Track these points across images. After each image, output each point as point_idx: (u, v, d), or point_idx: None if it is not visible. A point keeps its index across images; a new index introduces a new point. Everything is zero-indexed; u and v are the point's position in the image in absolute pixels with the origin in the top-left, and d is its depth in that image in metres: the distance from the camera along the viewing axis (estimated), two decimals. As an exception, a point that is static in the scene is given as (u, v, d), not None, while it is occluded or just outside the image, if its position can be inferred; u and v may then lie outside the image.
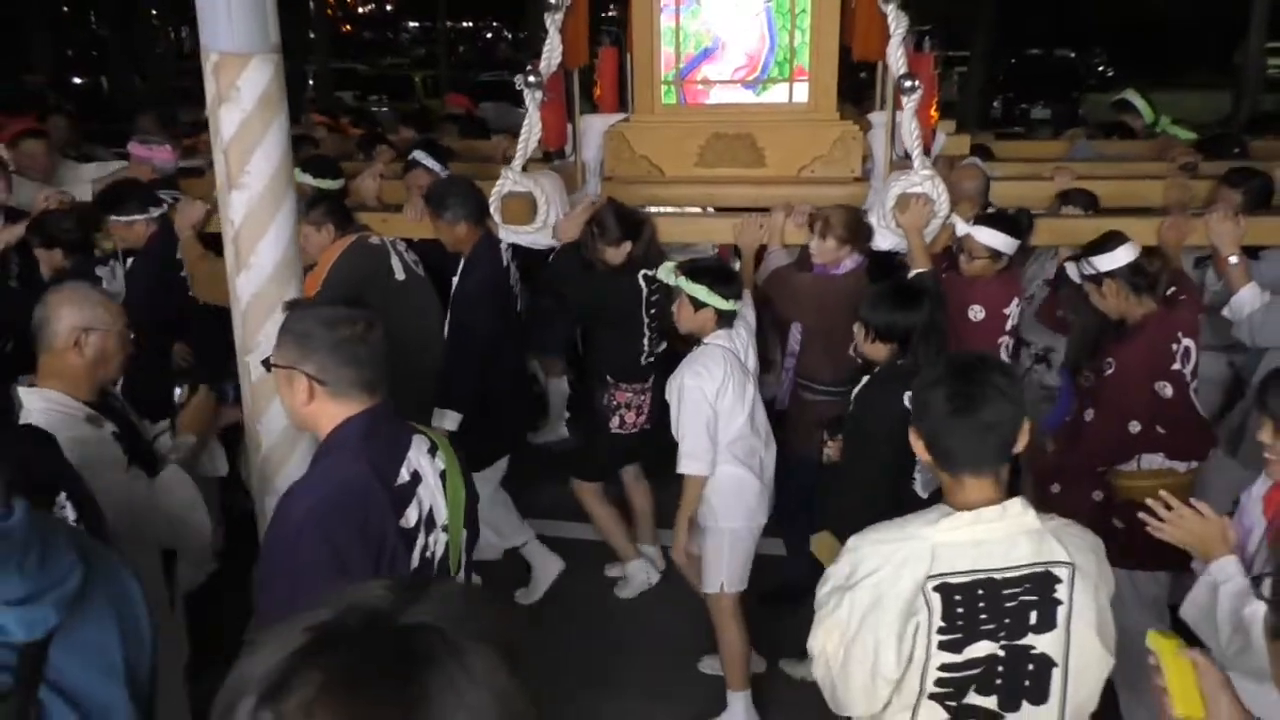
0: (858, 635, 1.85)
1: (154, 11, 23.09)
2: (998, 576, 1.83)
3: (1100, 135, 6.27)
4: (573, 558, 4.42)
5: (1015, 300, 3.67)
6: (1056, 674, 1.87)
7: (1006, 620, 1.84)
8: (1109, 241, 3.32)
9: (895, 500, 2.68)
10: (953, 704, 1.89)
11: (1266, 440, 2.28)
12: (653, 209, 4.25)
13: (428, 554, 2.01)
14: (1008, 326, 3.63)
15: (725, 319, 3.37)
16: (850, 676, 1.89)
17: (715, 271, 3.44)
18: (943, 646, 1.84)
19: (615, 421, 3.97)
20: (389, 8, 42.18)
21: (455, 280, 3.91)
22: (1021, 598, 1.84)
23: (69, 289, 2.62)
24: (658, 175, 4.43)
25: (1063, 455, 3.48)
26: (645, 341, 3.93)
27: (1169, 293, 3.36)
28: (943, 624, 1.83)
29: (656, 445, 3.82)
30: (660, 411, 3.71)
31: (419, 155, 4.77)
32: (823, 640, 1.93)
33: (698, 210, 4.68)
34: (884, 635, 1.83)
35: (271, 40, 2.42)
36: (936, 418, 1.87)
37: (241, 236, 2.48)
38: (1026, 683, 1.88)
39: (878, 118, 4.52)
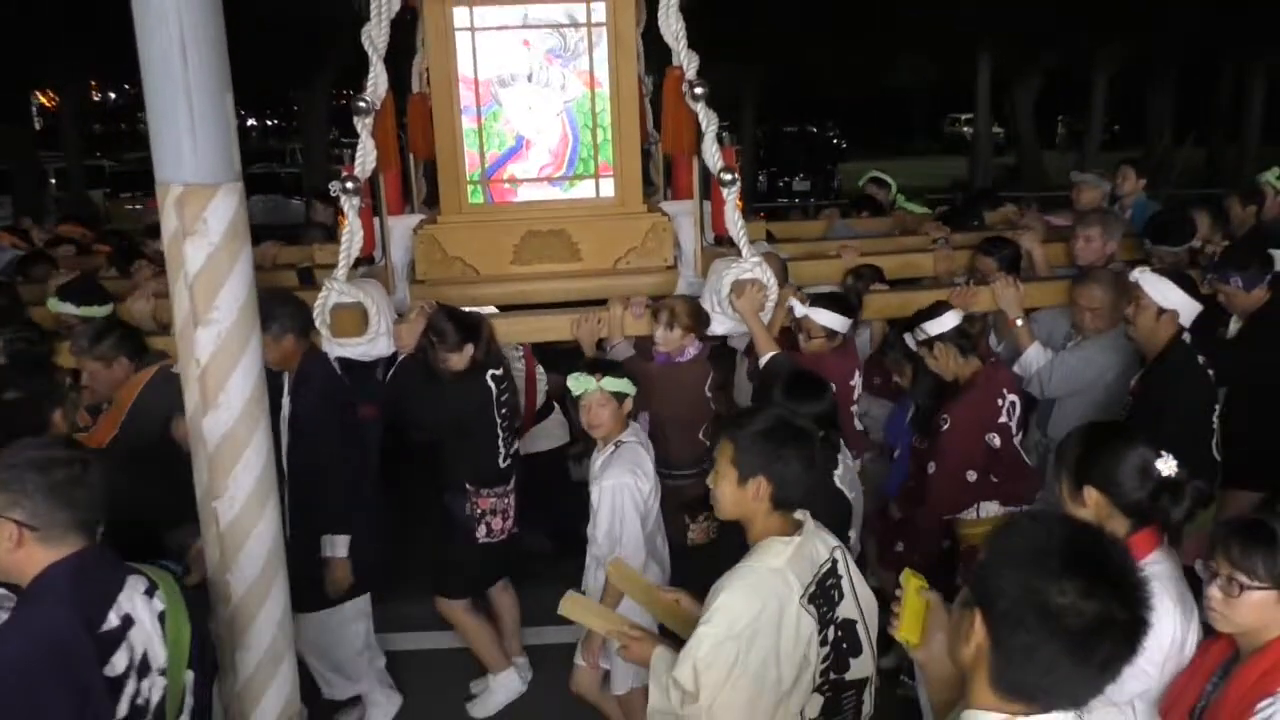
0: (758, 668, 2.15)
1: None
2: (820, 573, 2.30)
3: (852, 211, 6.92)
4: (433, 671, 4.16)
5: (856, 372, 3.94)
6: (859, 627, 2.37)
7: (830, 604, 2.30)
8: (936, 309, 3.66)
9: None
10: (827, 687, 2.31)
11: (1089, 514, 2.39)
12: (482, 310, 4.16)
13: (139, 701, 1.99)
14: (855, 396, 3.88)
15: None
16: (746, 702, 2.17)
17: (614, 364, 3.46)
18: (821, 643, 2.26)
19: (481, 530, 3.78)
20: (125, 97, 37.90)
21: (286, 401, 3.59)
22: (829, 582, 2.33)
23: None
24: (473, 275, 4.35)
25: (908, 514, 3.74)
26: (501, 443, 3.79)
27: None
28: (818, 625, 2.25)
29: (523, 550, 3.68)
30: (525, 514, 3.58)
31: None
32: (705, 678, 2.17)
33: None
34: (783, 657, 2.18)
35: (235, 168, 2.29)
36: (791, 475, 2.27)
37: (208, 374, 2.33)
38: (844, 645, 2.35)
39: (674, 207, 4.74)
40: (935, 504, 3.60)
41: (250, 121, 38.96)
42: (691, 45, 4.01)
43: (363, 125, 3.80)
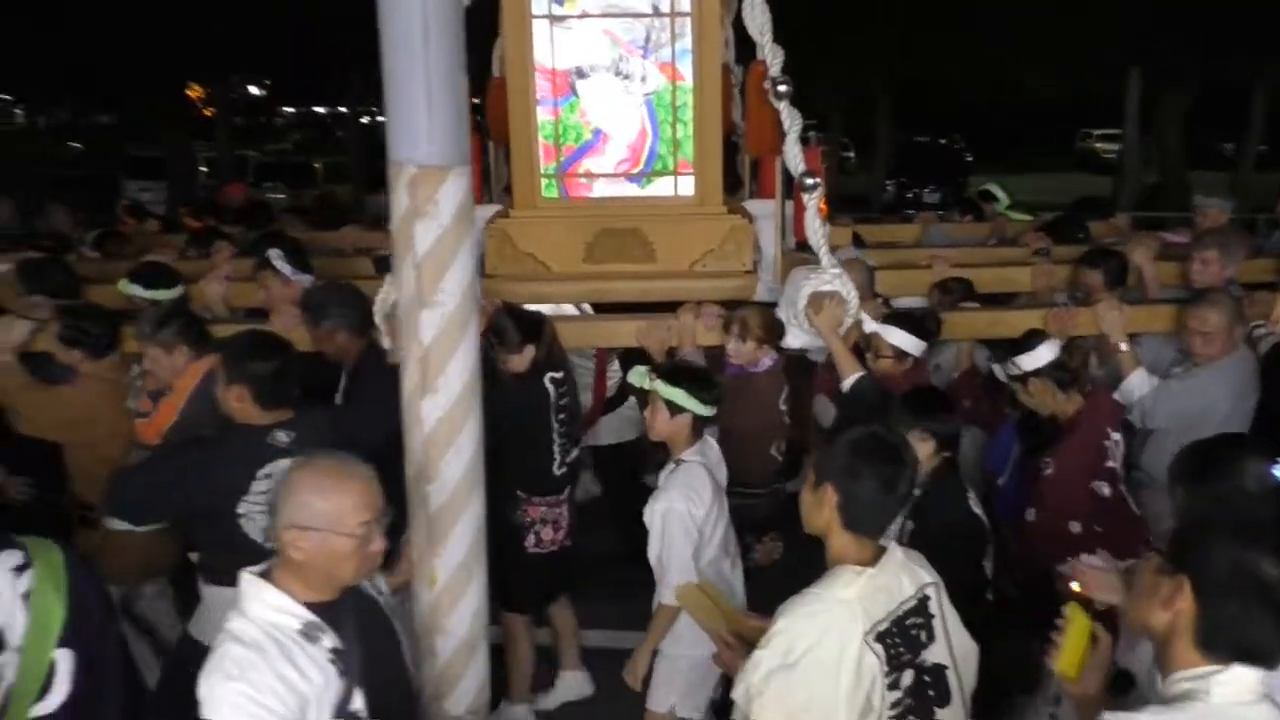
0: (809, 704, 1.98)
1: None
2: (899, 611, 2.11)
3: (955, 215, 6.57)
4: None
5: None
6: (950, 674, 2.18)
7: (913, 645, 2.12)
8: (1030, 340, 3.36)
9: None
10: None
11: None
12: (545, 309, 4.02)
13: None
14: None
15: (700, 426, 3.20)
16: None
17: (694, 373, 3.24)
18: (889, 687, 2.06)
19: (530, 540, 3.64)
20: (256, 93, 39.58)
21: (340, 396, 3.52)
22: (912, 621, 2.14)
23: None
24: (544, 272, 4.22)
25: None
26: (556, 449, 3.65)
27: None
28: (886, 668, 2.05)
29: (579, 563, 3.53)
30: (580, 525, 3.44)
31: (273, 256, 4.32)
32: (756, 704, 2.04)
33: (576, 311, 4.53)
34: (840, 696, 1.99)
35: (466, 151, 2.32)
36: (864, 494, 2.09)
37: (430, 357, 2.33)
38: (931, 692, 2.15)
39: (759, 207, 4.51)
40: (1033, 555, 3.30)
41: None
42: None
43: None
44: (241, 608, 2.07)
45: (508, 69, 4.22)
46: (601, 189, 4.32)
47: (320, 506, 2.03)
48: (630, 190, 4.30)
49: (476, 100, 4.45)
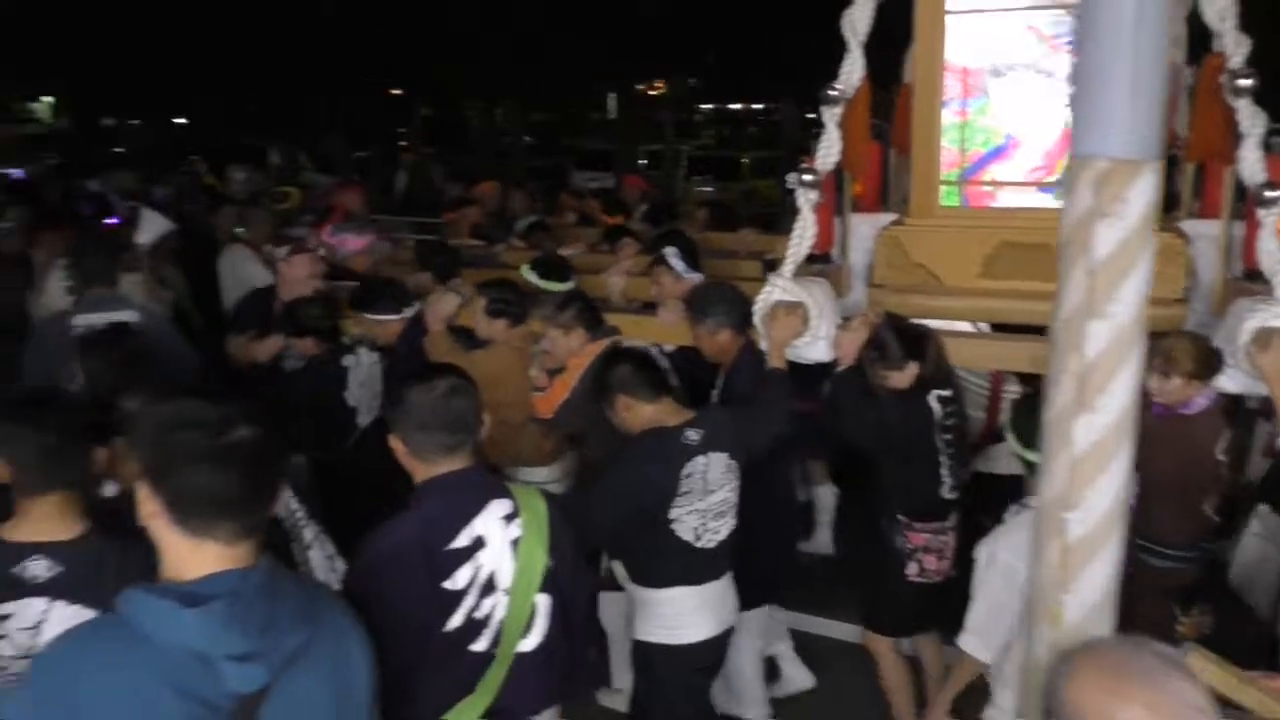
0: None
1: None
2: None
3: None
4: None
5: None
6: None
7: None
8: None
9: None
10: None
11: None
12: (931, 323, 3.79)
13: (476, 615, 2.15)
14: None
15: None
16: None
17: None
18: None
19: (913, 568, 3.42)
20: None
21: (716, 394, 3.57)
22: None
23: None
24: (935, 285, 3.97)
25: None
26: (944, 472, 3.40)
27: None
28: None
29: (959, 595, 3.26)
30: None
31: (669, 254, 4.50)
32: None
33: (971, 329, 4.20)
34: None
35: (1160, 146, 2.07)
36: None
37: (1093, 373, 2.07)
38: None
39: (1196, 227, 3.91)
40: None
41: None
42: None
43: (830, 115, 3.60)
44: None
45: (916, 67, 4.03)
46: (1007, 198, 3.98)
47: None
48: (1041, 201, 3.91)
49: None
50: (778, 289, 3.53)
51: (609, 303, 4.51)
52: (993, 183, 3.99)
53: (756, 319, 3.55)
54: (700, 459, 3.06)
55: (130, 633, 1.43)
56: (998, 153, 3.97)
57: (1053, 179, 3.88)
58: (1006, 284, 3.84)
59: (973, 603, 2.85)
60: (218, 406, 1.51)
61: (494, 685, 2.18)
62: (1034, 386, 3.26)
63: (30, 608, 1.92)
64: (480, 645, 2.17)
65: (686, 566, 3.09)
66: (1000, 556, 2.74)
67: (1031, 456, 2.83)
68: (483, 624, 2.17)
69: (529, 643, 2.23)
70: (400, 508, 2.20)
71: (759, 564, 3.43)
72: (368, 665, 1.69)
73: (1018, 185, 3.95)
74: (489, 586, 2.16)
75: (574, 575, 2.37)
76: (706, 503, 3.09)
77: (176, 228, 5.85)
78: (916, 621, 3.63)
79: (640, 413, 3.11)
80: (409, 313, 4.09)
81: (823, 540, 5.08)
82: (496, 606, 2.18)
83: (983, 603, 2.81)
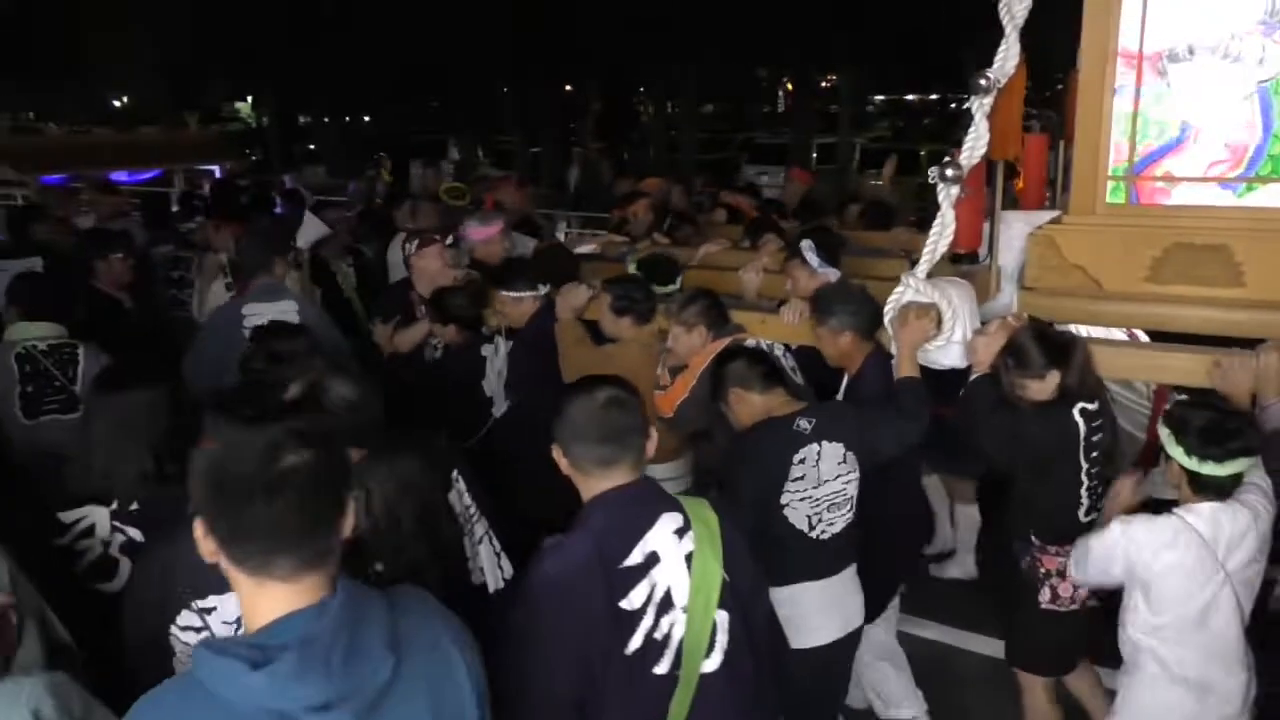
0: None
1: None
2: None
3: None
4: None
5: None
6: None
7: None
8: None
9: None
10: None
11: None
12: (1083, 330, 3.47)
13: (656, 635, 2.03)
14: None
15: (1204, 488, 2.63)
16: None
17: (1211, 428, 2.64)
18: None
19: (1045, 594, 3.14)
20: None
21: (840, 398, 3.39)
22: None
23: None
24: (1093, 289, 3.64)
25: None
26: (1085, 493, 3.11)
27: None
28: None
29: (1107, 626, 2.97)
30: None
31: (804, 247, 4.30)
32: None
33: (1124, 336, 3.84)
34: None
35: None
36: None
37: None
38: None
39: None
40: None
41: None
42: None
43: (979, 106, 3.34)
44: None
45: (1083, 52, 3.69)
46: (1182, 195, 3.61)
47: None
48: (1222, 198, 3.54)
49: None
50: (909, 289, 3.32)
51: (742, 300, 4.38)
52: (1166, 177, 3.62)
53: (886, 320, 3.35)
54: (813, 446, 2.96)
55: (207, 693, 1.36)
56: (1174, 144, 3.60)
57: (1236, 174, 3.48)
58: (1176, 289, 3.49)
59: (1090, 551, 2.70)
60: (264, 433, 1.44)
61: (683, 710, 2.06)
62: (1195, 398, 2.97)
63: (232, 601, 1.91)
64: (662, 668, 2.05)
65: (804, 558, 2.99)
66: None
67: (1195, 466, 2.62)
68: (663, 644, 2.04)
69: (711, 663, 2.10)
70: (561, 528, 2.11)
71: (880, 567, 3.29)
72: (472, 681, 1.61)
73: (1195, 180, 3.57)
74: (666, 604, 2.04)
75: (753, 590, 2.24)
76: (820, 492, 2.98)
77: (330, 232, 6.13)
78: (1059, 655, 3.32)
79: (751, 404, 3.04)
80: (544, 290, 4.10)
81: (965, 563, 4.78)
82: (675, 625, 2.05)
83: (1096, 551, 2.68)
